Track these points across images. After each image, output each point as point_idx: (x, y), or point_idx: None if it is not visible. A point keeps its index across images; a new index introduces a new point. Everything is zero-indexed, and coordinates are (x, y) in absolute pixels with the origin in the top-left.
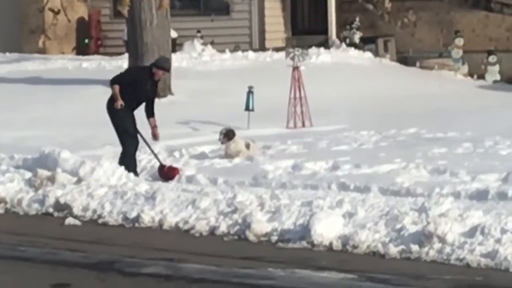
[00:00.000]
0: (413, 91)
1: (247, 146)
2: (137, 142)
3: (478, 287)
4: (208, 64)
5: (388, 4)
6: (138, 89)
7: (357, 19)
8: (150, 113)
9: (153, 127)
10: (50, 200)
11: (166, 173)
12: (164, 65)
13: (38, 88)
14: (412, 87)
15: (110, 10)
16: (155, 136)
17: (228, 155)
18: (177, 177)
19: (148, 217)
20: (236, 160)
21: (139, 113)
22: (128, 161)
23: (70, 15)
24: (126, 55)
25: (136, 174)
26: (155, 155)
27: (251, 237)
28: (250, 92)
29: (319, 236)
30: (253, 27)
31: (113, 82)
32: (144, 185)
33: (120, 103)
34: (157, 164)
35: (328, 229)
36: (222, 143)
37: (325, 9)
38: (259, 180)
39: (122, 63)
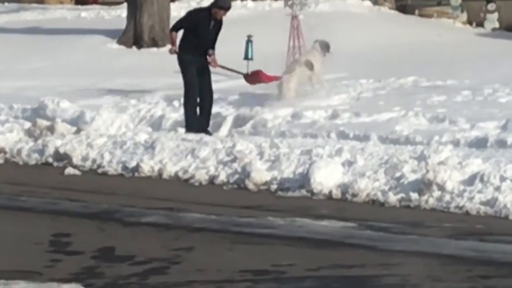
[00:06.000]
0: (412, 39)
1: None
2: (197, 94)
3: (478, 235)
4: None
5: None
6: (201, 32)
7: None
8: (211, 47)
9: (210, 55)
10: (50, 150)
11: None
12: (224, 4)
13: (37, 38)
14: (411, 35)
15: None
16: (212, 62)
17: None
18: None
19: (148, 166)
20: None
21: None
22: (187, 114)
23: None
24: (125, 4)
25: (194, 130)
26: (234, 70)
27: (251, 186)
28: (249, 41)
29: (319, 184)
30: None
31: (172, 29)
32: (143, 135)
33: (173, 48)
34: None
35: (327, 178)
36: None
37: None
38: (259, 129)
39: (121, 12)
